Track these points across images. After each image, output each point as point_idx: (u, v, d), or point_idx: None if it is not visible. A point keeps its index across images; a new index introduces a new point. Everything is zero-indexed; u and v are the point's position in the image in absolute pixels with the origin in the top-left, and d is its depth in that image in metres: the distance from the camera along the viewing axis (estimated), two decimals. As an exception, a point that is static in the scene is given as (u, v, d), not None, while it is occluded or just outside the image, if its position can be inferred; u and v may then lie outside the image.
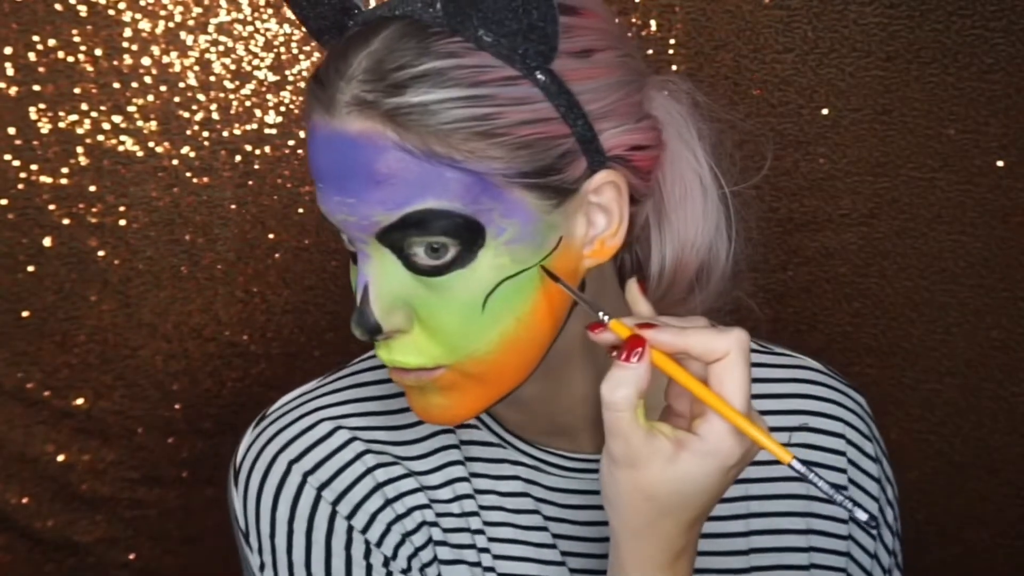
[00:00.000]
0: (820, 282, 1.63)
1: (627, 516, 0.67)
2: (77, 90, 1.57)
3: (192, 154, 1.60)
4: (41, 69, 1.56)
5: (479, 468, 0.82)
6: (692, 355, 0.66)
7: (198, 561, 1.67)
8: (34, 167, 1.58)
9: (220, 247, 1.62)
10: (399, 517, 0.79)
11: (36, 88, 1.57)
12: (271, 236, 1.63)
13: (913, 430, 1.65)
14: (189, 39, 1.58)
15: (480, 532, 0.80)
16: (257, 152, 1.61)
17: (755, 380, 0.69)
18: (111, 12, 1.56)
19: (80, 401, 1.62)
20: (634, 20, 1.59)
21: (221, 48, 1.59)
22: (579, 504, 0.82)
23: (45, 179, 1.58)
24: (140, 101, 1.58)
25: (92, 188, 1.59)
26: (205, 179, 1.61)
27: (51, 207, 1.58)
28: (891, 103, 1.59)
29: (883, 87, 1.59)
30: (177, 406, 1.64)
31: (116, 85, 1.57)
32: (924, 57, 1.58)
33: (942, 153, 1.60)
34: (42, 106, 1.57)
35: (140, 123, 1.58)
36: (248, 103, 1.60)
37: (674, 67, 1.59)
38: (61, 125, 1.57)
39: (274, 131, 1.61)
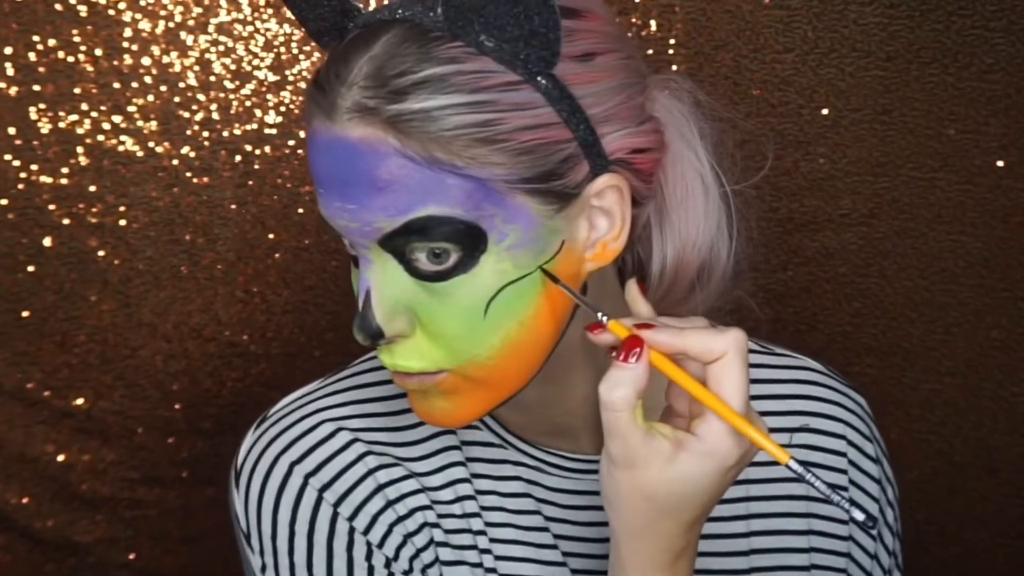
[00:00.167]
0: (820, 282, 1.63)
1: (627, 516, 0.67)
2: (77, 90, 1.57)
3: (192, 154, 1.60)
4: (41, 69, 1.56)
5: (480, 469, 0.82)
6: (690, 355, 0.66)
7: (198, 561, 1.67)
8: (34, 167, 1.58)
9: (220, 247, 1.62)
10: (401, 518, 0.79)
11: (36, 88, 1.57)
12: (271, 236, 1.63)
13: (913, 430, 1.65)
14: (189, 39, 1.58)
15: (482, 533, 0.80)
16: (257, 152, 1.61)
17: (756, 381, 0.69)
18: (111, 12, 1.56)
19: (80, 401, 1.62)
20: (634, 20, 1.59)
21: (221, 48, 1.59)
22: (580, 505, 0.82)
23: (45, 179, 1.58)
24: (140, 101, 1.58)
25: (92, 188, 1.59)
26: (205, 179, 1.61)
27: (51, 207, 1.58)
28: (891, 103, 1.59)
29: (883, 87, 1.59)
30: (177, 406, 1.64)
31: (116, 85, 1.57)
32: (924, 57, 1.58)
33: (942, 153, 1.60)
34: (42, 106, 1.57)
35: (140, 123, 1.58)
36: (248, 103, 1.60)
37: (674, 67, 1.59)
38: (61, 125, 1.57)
39: (274, 131, 1.61)
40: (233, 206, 1.61)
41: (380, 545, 0.78)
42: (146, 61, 1.57)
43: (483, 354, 0.69)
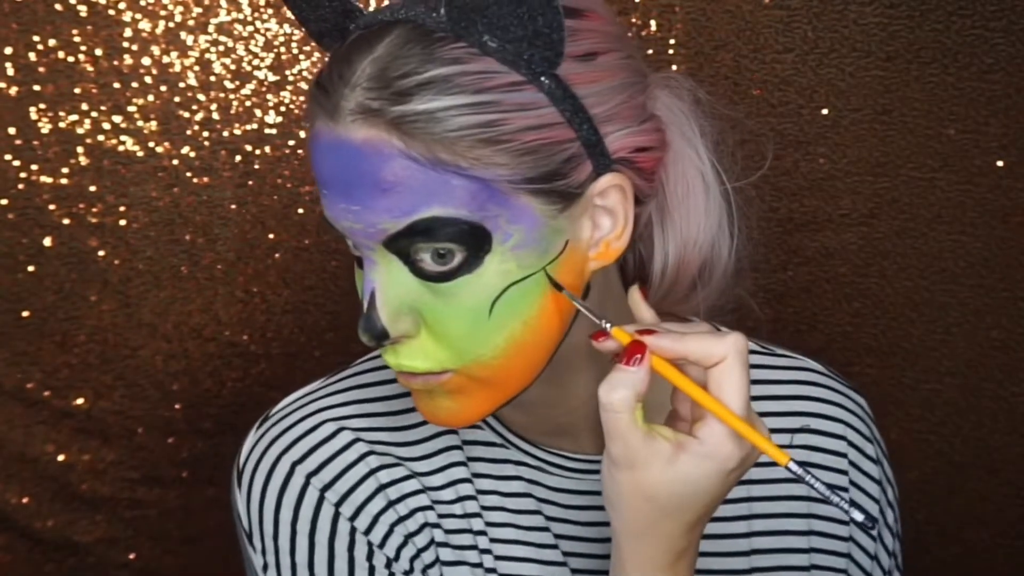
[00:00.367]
0: (820, 282, 1.63)
1: (627, 517, 0.67)
2: (77, 90, 1.57)
3: (192, 154, 1.60)
4: (41, 69, 1.56)
5: (482, 468, 0.82)
6: (691, 360, 0.66)
7: (198, 561, 1.67)
8: (34, 167, 1.58)
9: (220, 247, 1.62)
10: (402, 519, 0.79)
11: (36, 88, 1.56)
12: (271, 236, 1.63)
13: (913, 430, 1.65)
14: (189, 39, 1.58)
15: (482, 533, 0.81)
16: (257, 152, 1.61)
17: (756, 381, 0.69)
18: (111, 12, 1.56)
19: (80, 401, 1.62)
20: (634, 20, 1.59)
21: (221, 48, 1.59)
22: (581, 504, 0.82)
23: (45, 179, 1.58)
24: (140, 101, 1.58)
25: (92, 188, 1.59)
26: (205, 179, 1.61)
27: (51, 207, 1.58)
28: (891, 103, 1.59)
29: (883, 87, 1.59)
30: (177, 406, 1.64)
31: (116, 85, 1.57)
32: (924, 57, 1.58)
33: (942, 153, 1.60)
34: (42, 106, 1.57)
35: (140, 123, 1.58)
36: (248, 103, 1.60)
37: (674, 67, 1.59)
38: (61, 125, 1.57)
39: (274, 131, 1.61)
40: (233, 206, 1.61)
41: (381, 545, 0.78)
42: (146, 61, 1.57)
43: (488, 354, 0.69)
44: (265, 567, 0.78)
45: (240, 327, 1.63)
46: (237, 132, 1.60)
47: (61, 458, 1.62)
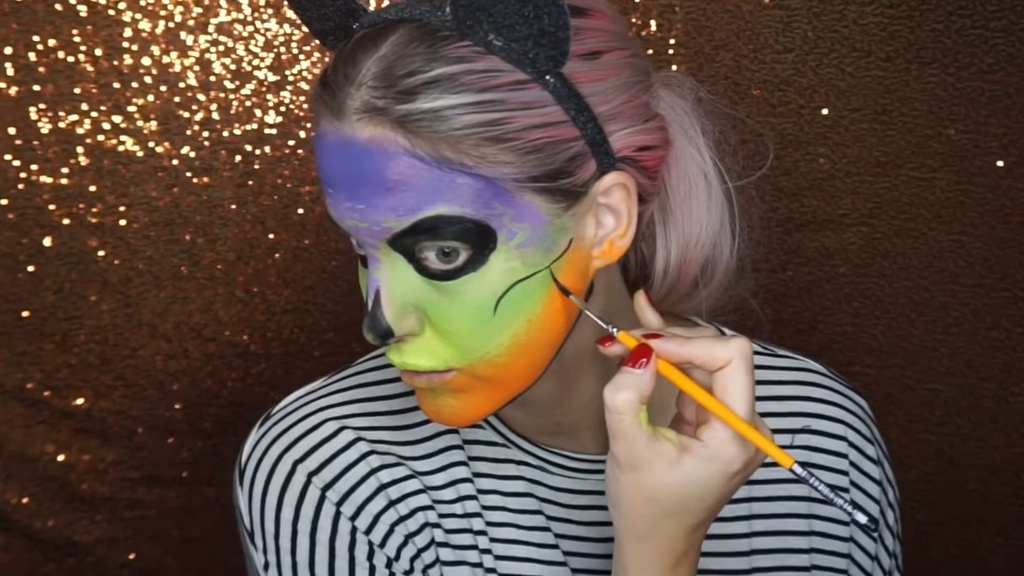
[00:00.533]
0: (820, 282, 1.63)
1: (630, 518, 0.68)
2: (77, 90, 1.56)
3: (192, 154, 1.60)
4: (41, 69, 1.56)
5: (483, 468, 0.82)
6: (696, 364, 0.66)
7: (198, 561, 1.67)
8: (34, 167, 1.57)
9: (220, 247, 1.62)
10: (402, 518, 0.79)
11: (36, 88, 1.56)
12: (271, 236, 1.62)
13: (913, 430, 1.65)
14: (189, 39, 1.58)
15: (483, 533, 0.81)
16: (257, 152, 1.61)
17: (757, 382, 0.69)
18: (111, 12, 1.56)
19: (80, 401, 1.62)
20: (634, 20, 1.59)
21: (221, 48, 1.58)
22: (582, 504, 0.82)
23: (45, 179, 1.58)
24: (140, 101, 1.58)
25: (92, 188, 1.58)
26: (205, 179, 1.60)
27: (51, 207, 1.58)
28: (891, 103, 1.59)
29: (883, 87, 1.59)
30: (177, 406, 1.64)
31: (116, 85, 1.57)
32: (924, 57, 1.58)
33: (942, 153, 1.60)
34: (42, 106, 1.57)
35: (140, 123, 1.58)
36: (248, 103, 1.60)
37: (674, 67, 1.59)
38: (61, 125, 1.57)
39: (274, 131, 1.61)
40: (233, 206, 1.61)
41: (382, 545, 0.78)
42: (146, 61, 1.57)
43: (492, 352, 0.69)
44: (266, 566, 0.78)
45: (240, 327, 1.63)
46: (237, 132, 1.60)
47: (61, 458, 1.62)
